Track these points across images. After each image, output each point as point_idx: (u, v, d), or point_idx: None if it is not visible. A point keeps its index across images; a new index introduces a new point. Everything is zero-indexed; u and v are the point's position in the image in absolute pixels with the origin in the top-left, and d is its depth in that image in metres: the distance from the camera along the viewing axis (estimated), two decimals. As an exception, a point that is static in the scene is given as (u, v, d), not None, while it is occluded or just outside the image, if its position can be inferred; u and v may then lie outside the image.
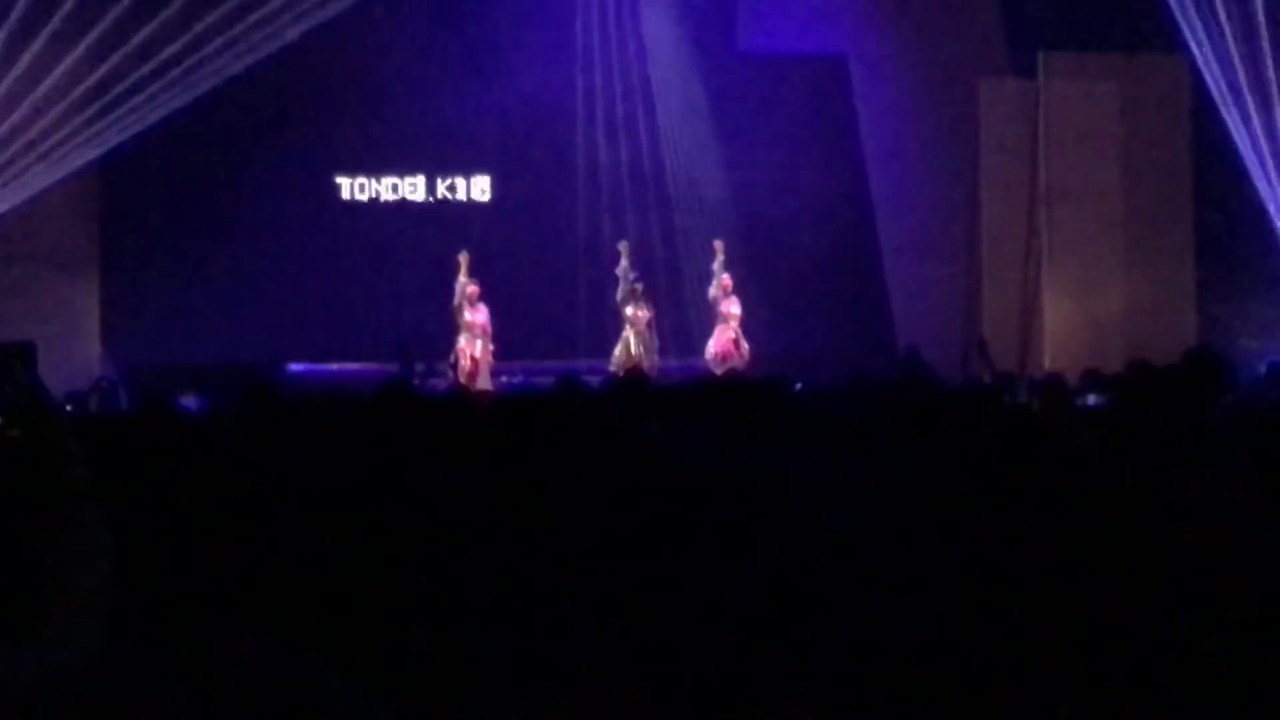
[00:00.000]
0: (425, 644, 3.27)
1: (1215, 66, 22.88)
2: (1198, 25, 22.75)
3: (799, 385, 13.40)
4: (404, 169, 25.01)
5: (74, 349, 22.63)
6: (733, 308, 22.74)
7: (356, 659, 3.03)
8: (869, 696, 2.51)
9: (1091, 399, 9.44)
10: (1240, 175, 23.20)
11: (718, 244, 23.15)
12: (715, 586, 2.53)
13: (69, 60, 21.86)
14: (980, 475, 3.01)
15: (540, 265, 24.54)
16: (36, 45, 21.75)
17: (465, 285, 21.96)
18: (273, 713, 2.78)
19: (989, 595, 2.79)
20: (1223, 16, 22.63)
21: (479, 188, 25.21)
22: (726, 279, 22.82)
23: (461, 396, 10.12)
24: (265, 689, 2.81)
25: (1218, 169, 23.57)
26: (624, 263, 22.58)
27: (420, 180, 25.12)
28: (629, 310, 22.35)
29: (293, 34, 22.28)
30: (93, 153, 22.20)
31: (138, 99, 21.95)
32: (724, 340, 22.54)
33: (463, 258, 22.12)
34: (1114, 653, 2.80)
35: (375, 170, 24.94)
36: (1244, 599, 2.77)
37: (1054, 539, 2.95)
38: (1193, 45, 22.79)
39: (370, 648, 3.24)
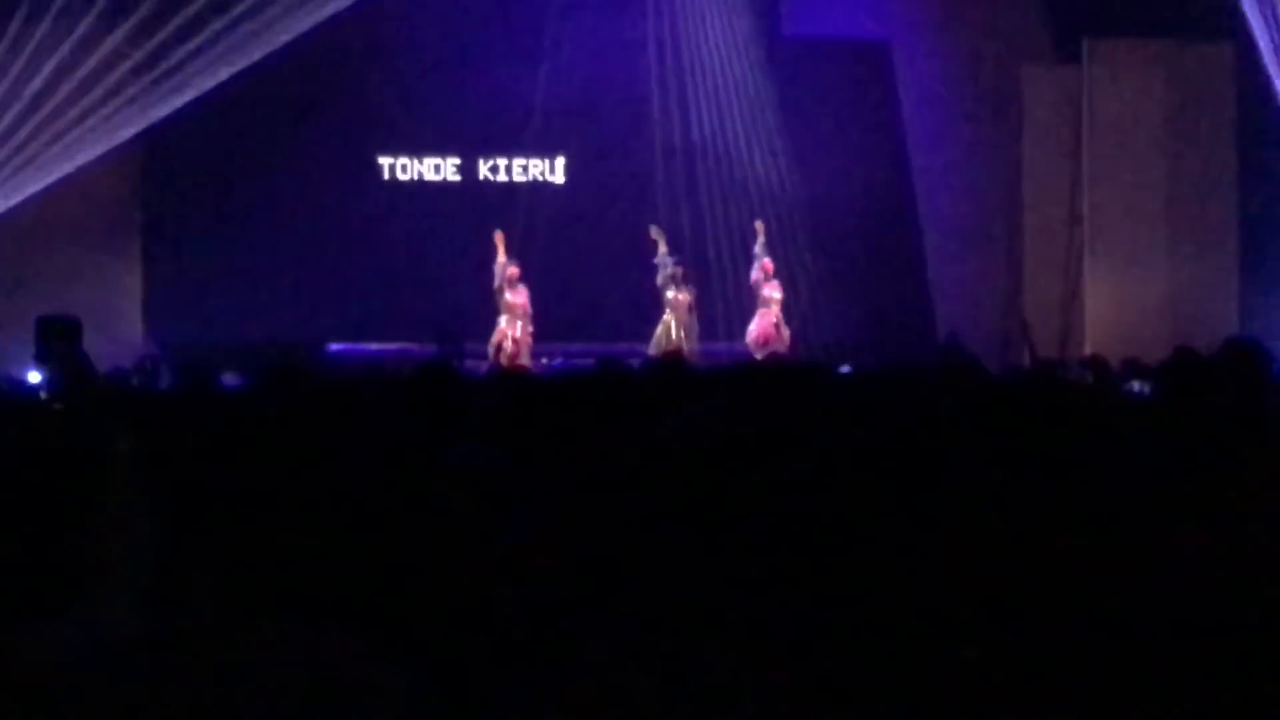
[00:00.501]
0: (461, 625, 3.27)
1: (1268, 53, 22.76)
2: (1252, 10, 22.63)
3: (845, 368, 13.38)
4: (445, 149, 25.02)
5: (117, 326, 22.71)
6: (774, 292, 22.72)
7: (392, 638, 3.03)
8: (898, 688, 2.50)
9: (1136, 385, 9.39)
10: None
11: (759, 225, 23.15)
12: (749, 578, 2.52)
13: (113, 38, 21.92)
14: (1035, 454, 3.01)
15: (583, 247, 24.51)
16: (82, 23, 21.82)
17: (505, 266, 21.98)
18: (307, 690, 2.79)
19: (1035, 573, 2.78)
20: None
21: (520, 169, 25.20)
22: (768, 262, 22.81)
23: (503, 378, 10.12)
24: (300, 667, 2.81)
25: (1262, 156, 23.46)
26: (661, 249, 22.56)
27: (462, 161, 25.13)
28: (670, 294, 22.35)
29: (335, 8, 22.32)
30: (135, 129, 22.24)
31: (180, 77, 22.01)
32: (765, 324, 22.53)
33: (499, 237, 22.15)
34: (1159, 643, 2.78)
35: (417, 150, 24.97)
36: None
37: (1103, 519, 2.94)
38: (1255, 28, 22.61)
39: (405, 627, 3.24)
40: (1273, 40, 22.73)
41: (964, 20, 24.78)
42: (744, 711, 2.42)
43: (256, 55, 22.18)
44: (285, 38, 22.17)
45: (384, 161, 24.99)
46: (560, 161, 25.09)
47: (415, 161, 25.08)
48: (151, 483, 3.35)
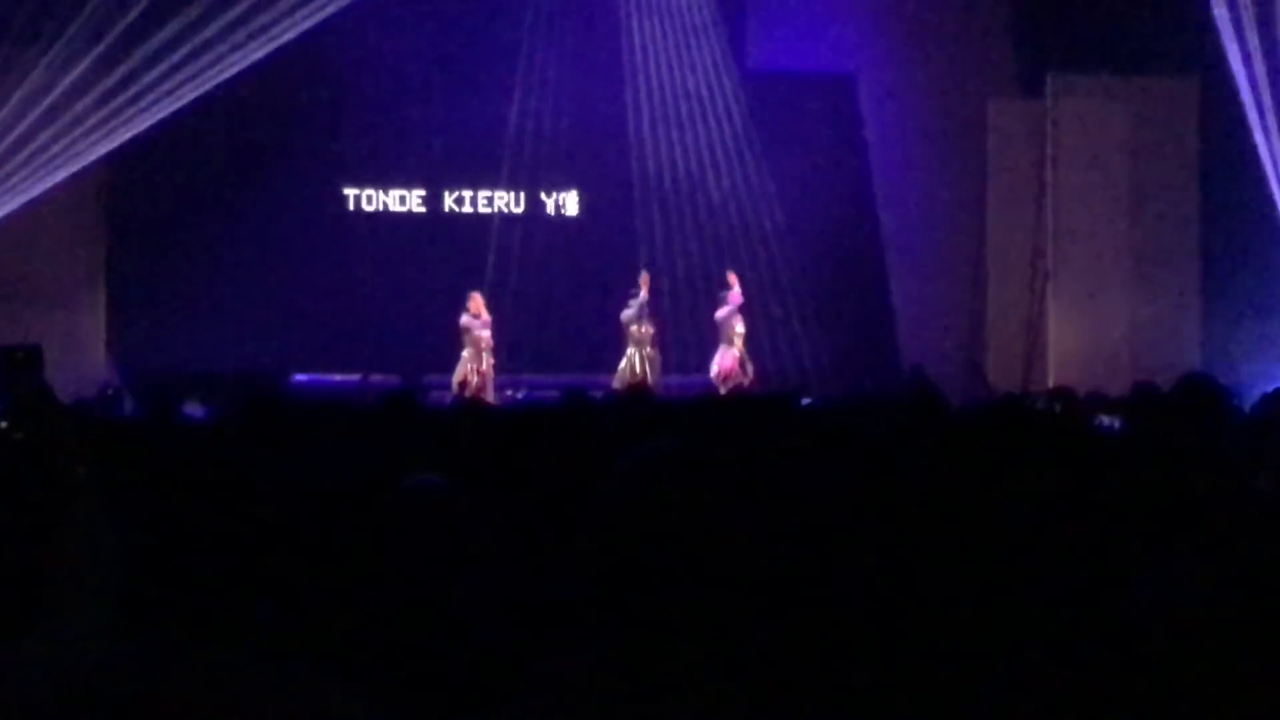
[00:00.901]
0: (422, 648, 3.27)
1: (1244, 87, 22.87)
2: (1229, 43, 22.74)
3: (807, 400, 13.39)
4: (412, 181, 25.01)
5: (80, 355, 22.61)
6: (739, 326, 22.70)
7: (353, 661, 3.03)
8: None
9: (1105, 420, 9.42)
10: (1247, 197, 23.21)
11: (732, 276, 23.05)
12: (721, 599, 2.53)
13: (76, 66, 21.83)
14: (1003, 486, 3.02)
15: (547, 279, 24.52)
16: (42, 51, 21.74)
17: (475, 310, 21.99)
18: (270, 713, 2.79)
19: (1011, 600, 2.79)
20: (1247, 34, 22.64)
21: (485, 200, 25.21)
22: (736, 294, 22.75)
23: (467, 409, 10.11)
24: (263, 689, 2.81)
25: (1225, 190, 23.58)
26: (643, 295, 22.49)
27: (428, 192, 25.13)
28: (633, 327, 22.35)
29: (299, 39, 22.29)
30: (99, 153, 22.13)
31: (144, 105, 21.94)
32: (729, 360, 22.50)
33: (476, 300, 22.12)
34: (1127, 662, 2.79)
35: (383, 182, 24.95)
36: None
37: (1081, 543, 2.95)
38: (1230, 58, 22.68)
39: (367, 650, 3.24)
40: (1247, 74, 22.82)
41: (930, 54, 24.87)
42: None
43: (222, 86, 22.10)
44: (252, 65, 22.06)
45: (349, 192, 24.96)
46: (523, 194, 25.09)
47: (381, 192, 25.06)
48: (113, 510, 3.34)
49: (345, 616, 3.37)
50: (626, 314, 22.42)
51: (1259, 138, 22.97)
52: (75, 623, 3.44)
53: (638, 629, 2.51)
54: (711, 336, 23.03)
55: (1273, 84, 22.93)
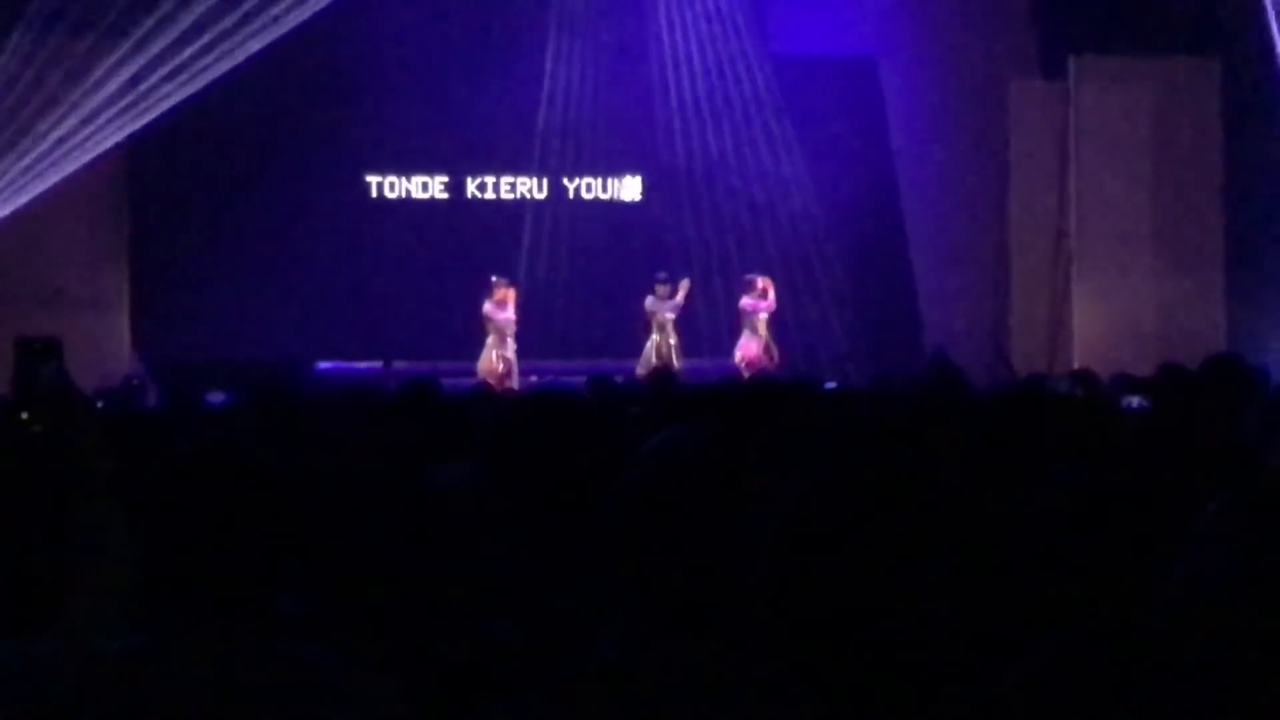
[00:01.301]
0: (443, 637, 3.26)
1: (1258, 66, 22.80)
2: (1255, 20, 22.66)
3: (831, 384, 13.38)
4: (434, 168, 25.01)
5: (104, 345, 22.64)
6: (764, 313, 22.61)
7: (376, 650, 3.02)
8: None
9: (1135, 401, 9.38)
10: (1271, 176, 23.13)
11: (765, 282, 22.87)
12: (733, 590, 2.51)
13: (102, 54, 21.83)
14: (1029, 464, 3.00)
15: (572, 265, 24.54)
16: (66, 38, 21.74)
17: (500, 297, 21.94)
18: (289, 701, 2.78)
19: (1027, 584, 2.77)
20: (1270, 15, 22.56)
21: (508, 187, 25.21)
22: (770, 302, 22.62)
23: (488, 396, 10.11)
24: (284, 679, 2.80)
25: (1249, 170, 23.50)
26: (680, 298, 22.36)
27: (450, 179, 25.12)
28: (656, 314, 22.30)
29: (322, 26, 22.29)
30: (120, 137, 22.10)
31: (165, 93, 21.92)
32: (754, 346, 22.42)
33: (499, 287, 22.05)
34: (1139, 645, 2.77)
35: (405, 169, 24.94)
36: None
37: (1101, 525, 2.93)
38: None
39: (389, 640, 3.23)
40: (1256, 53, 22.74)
41: (951, 37, 24.80)
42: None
43: (246, 74, 22.07)
44: (277, 39, 22.01)
45: (372, 180, 24.97)
46: (546, 181, 25.08)
47: (404, 180, 25.06)
48: (133, 502, 3.33)
49: (367, 607, 3.36)
50: (650, 301, 22.38)
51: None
52: (95, 615, 3.44)
53: (658, 618, 2.49)
54: (735, 320, 22.97)
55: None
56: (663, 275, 22.53)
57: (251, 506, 2.97)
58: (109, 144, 21.99)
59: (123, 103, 21.91)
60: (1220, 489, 2.91)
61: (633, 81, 24.97)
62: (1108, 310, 24.08)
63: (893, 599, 2.37)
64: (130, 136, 22.22)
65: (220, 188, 23.79)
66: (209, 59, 21.85)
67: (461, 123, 24.42)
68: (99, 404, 12.98)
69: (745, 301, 22.61)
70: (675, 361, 21.71)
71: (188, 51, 21.76)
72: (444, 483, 3.53)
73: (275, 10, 21.89)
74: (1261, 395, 7.60)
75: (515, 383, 21.17)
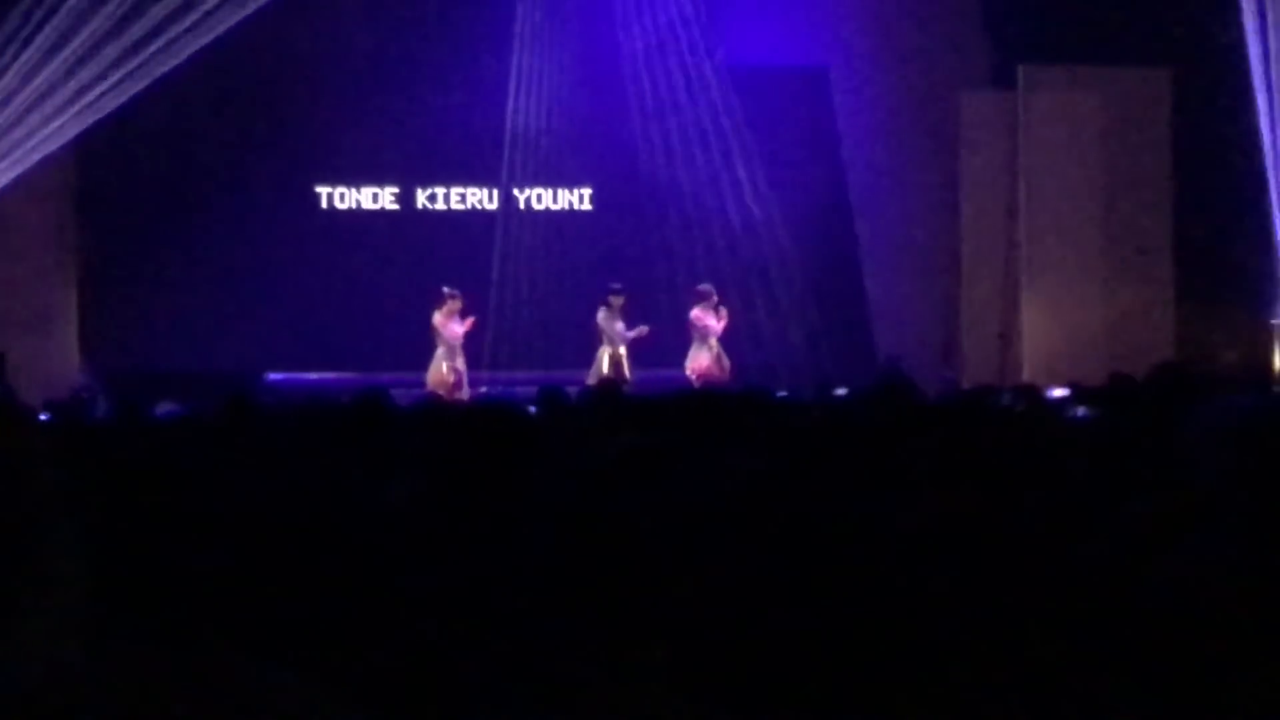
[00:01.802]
0: (393, 651, 3.26)
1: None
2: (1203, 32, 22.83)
3: (782, 394, 13.38)
4: (384, 179, 24.97)
5: (52, 357, 22.55)
6: (715, 324, 22.61)
7: (327, 667, 3.01)
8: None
9: (1081, 411, 9.42)
10: (1220, 187, 23.27)
11: (714, 313, 22.86)
12: (690, 594, 2.52)
13: (48, 61, 21.73)
14: (967, 476, 3.01)
15: (522, 276, 24.53)
16: (13, 46, 21.63)
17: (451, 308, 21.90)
18: (244, 715, 2.77)
19: (969, 595, 2.78)
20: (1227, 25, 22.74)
21: (458, 198, 25.19)
22: (719, 326, 22.63)
23: (437, 407, 10.09)
24: (238, 697, 2.79)
25: (1198, 180, 23.63)
26: (630, 335, 22.32)
27: (400, 190, 25.09)
28: (607, 325, 22.29)
29: (274, 34, 22.24)
30: (65, 139, 21.97)
31: (113, 101, 21.82)
32: (704, 358, 22.43)
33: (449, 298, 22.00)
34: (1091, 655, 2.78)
35: (355, 180, 24.89)
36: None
37: (1032, 537, 2.94)
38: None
39: (340, 655, 3.22)
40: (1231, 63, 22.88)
41: (902, 47, 24.89)
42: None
43: (195, 84, 22.01)
44: (225, 61, 21.97)
45: (322, 190, 24.91)
46: (496, 191, 25.07)
47: (354, 191, 25.01)
48: (81, 514, 3.31)
49: (318, 619, 3.36)
50: (603, 314, 22.36)
51: (1234, 126, 23.05)
52: (43, 634, 3.42)
53: (603, 627, 2.50)
54: (686, 332, 22.96)
55: (1264, 72, 22.99)
56: (617, 287, 22.54)
57: (200, 517, 2.96)
58: (53, 144, 21.83)
59: (71, 109, 21.80)
60: (1149, 496, 2.93)
61: (583, 92, 24.97)
62: (1058, 320, 24.18)
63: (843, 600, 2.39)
64: (77, 147, 22.13)
65: (169, 199, 23.71)
66: (155, 67, 21.76)
67: (412, 134, 24.40)
68: (44, 416, 12.91)
69: (696, 313, 22.61)
70: (626, 373, 21.72)
71: (135, 61, 21.66)
72: (392, 498, 3.53)
73: (223, 16, 21.82)
74: (1202, 403, 7.63)
75: (465, 394, 21.14)
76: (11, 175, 21.72)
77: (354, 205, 25.02)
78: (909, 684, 2.49)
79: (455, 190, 25.13)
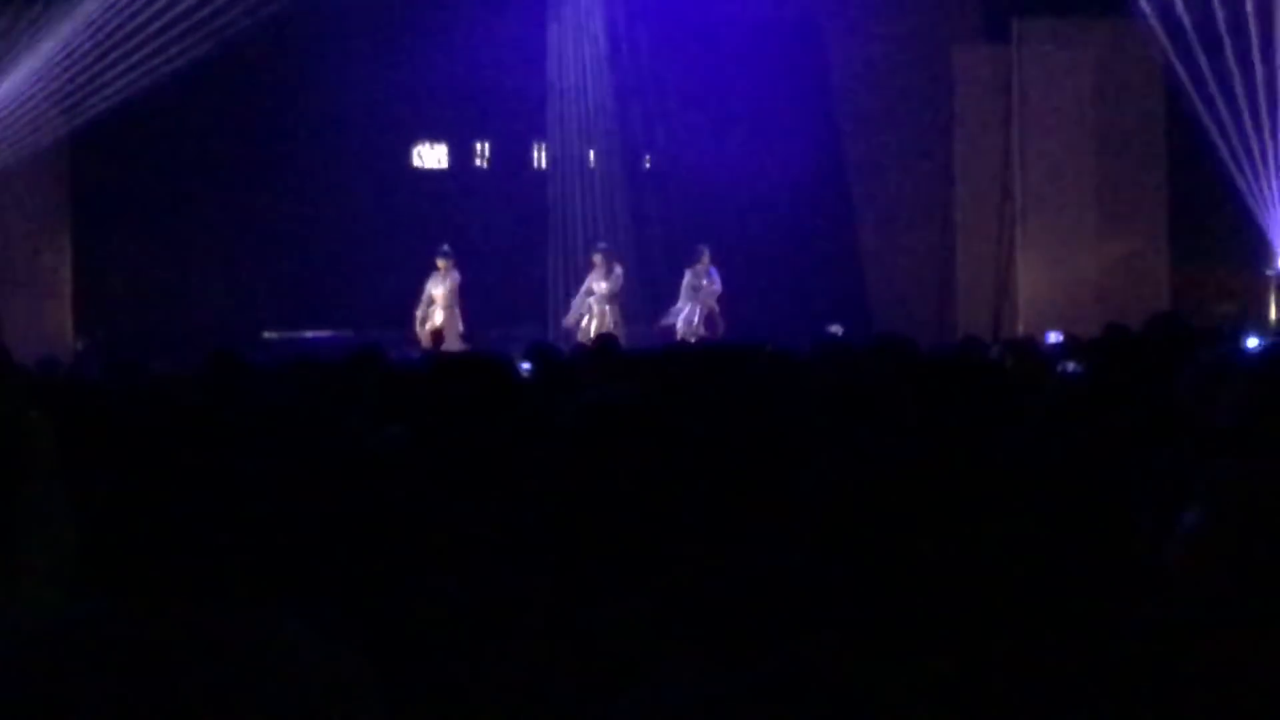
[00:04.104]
0: (387, 596, 3.26)
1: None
2: None
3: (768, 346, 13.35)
4: (378, 136, 24.89)
5: (46, 316, 22.55)
6: (713, 286, 22.62)
7: (319, 618, 3.01)
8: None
9: (1071, 366, 9.44)
10: (1210, 142, 23.24)
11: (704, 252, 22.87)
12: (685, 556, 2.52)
13: (42, 30, 21.72)
14: (957, 434, 2.99)
15: (510, 234, 24.54)
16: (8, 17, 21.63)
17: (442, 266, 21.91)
18: (243, 668, 2.77)
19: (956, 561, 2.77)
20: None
21: (440, 156, 25.16)
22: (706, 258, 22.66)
23: (432, 362, 10.10)
24: (235, 647, 2.79)
25: (1192, 133, 23.58)
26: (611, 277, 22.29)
27: (392, 148, 25.04)
28: (593, 284, 22.25)
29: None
30: (63, 123, 22.03)
31: (112, 68, 21.84)
32: (697, 315, 22.42)
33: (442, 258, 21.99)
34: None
35: (350, 138, 24.78)
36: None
37: (1019, 501, 2.93)
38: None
39: (339, 604, 3.23)
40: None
41: (895, 1, 24.84)
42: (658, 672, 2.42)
43: (182, 46, 22.01)
44: (211, 29, 21.98)
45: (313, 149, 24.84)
46: (473, 150, 25.03)
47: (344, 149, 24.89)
48: (75, 469, 3.32)
49: (312, 568, 3.36)
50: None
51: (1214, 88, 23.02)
52: (37, 586, 3.43)
53: (589, 574, 2.50)
54: (675, 287, 22.92)
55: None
56: (602, 246, 22.56)
57: (194, 474, 2.96)
58: (54, 122, 21.87)
59: (65, 77, 21.81)
60: (1156, 446, 2.93)
61: (569, 49, 24.94)
62: (1052, 272, 24.17)
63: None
64: (73, 107, 22.14)
65: (161, 159, 23.67)
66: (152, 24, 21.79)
67: (400, 93, 24.35)
68: (37, 375, 12.91)
69: (689, 275, 22.59)
70: (616, 330, 21.69)
71: (130, 28, 21.68)
72: (378, 446, 3.53)
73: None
74: (1202, 353, 7.64)
75: (456, 347, 21.20)
76: (8, 137, 21.72)
77: (345, 166, 24.87)
78: (896, 634, 2.48)
79: (439, 149, 25.06)
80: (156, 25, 21.88)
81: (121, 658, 2.77)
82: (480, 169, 25.06)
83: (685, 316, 22.49)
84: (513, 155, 25.05)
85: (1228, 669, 2.56)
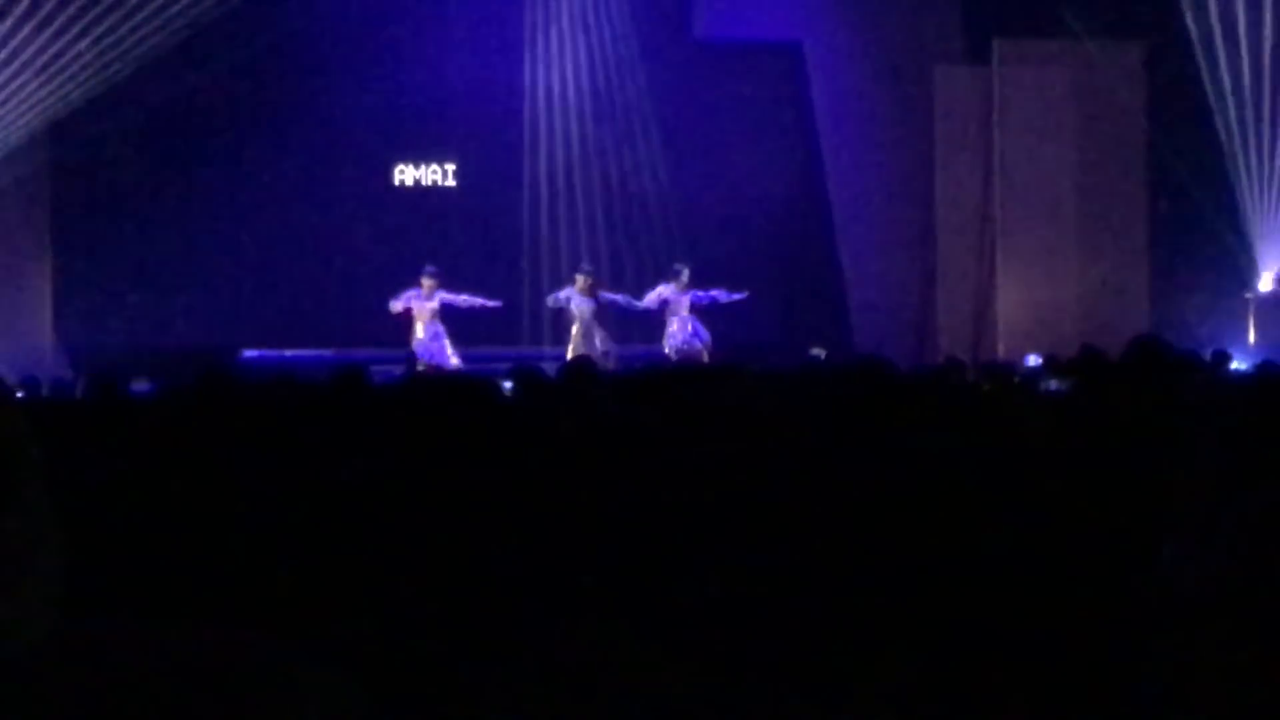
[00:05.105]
0: (370, 623, 3.27)
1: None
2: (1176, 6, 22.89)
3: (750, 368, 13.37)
4: (358, 154, 24.85)
5: (26, 334, 22.51)
6: (688, 300, 22.62)
7: (304, 639, 3.02)
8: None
9: (1053, 384, 9.47)
10: (1194, 158, 23.32)
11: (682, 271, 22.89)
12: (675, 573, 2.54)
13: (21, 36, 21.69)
14: (933, 454, 3.02)
15: (495, 253, 24.54)
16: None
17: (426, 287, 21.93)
18: (227, 690, 2.78)
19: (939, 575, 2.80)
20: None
21: (433, 175, 25.12)
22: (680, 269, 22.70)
23: (416, 383, 10.09)
24: (220, 666, 2.80)
25: (1172, 154, 23.66)
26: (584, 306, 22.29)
27: (376, 166, 25.00)
28: (572, 306, 22.23)
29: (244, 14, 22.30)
30: (39, 124, 21.97)
31: (91, 75, 21.82)
32: (681, 334, 22.41)
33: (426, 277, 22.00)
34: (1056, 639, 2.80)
35: (330, 156, 24.75)
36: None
37: (999, 518, 2.96)
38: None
39: (317, 629, 3.24)
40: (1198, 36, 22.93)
41: (877, 22, 24.89)
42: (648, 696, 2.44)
43: (166, 61, 22.00)
44: (185, 37, 21.99)
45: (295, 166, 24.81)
46: (463, 168, 25.00)
47: (327, 167, 24.86)
48: (62, 491, 3.32)
49: (297, 591, 3.37)
50: (567, 293, 22.36)
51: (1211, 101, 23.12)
52: (22, 610, 3.42)
53: (581, 600, 2.52)
54: (662, 310, 22.93)
55: (1225, 46, 23.04)
56: (586, 268, 22.57)
57: (179, 495, 2.97)
58: (33, 125, 21.82)
59: (45, 87, 21.77)
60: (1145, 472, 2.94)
61: (554, 69, 24.96)
62: (1033, 294, 24.23)
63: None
64: (52, 121, 22.11)
65: (142, 177, 23.64)
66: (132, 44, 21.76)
67: (386, 110, 24.34)
68: (19, 393, 12.91)
69: (670, 292, 22.57)
70: (601, 349, 21.65)
71: (107, 39, 21.65)
72: (354, 474, 3.54)
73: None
74: (1194, 379, 7.67)
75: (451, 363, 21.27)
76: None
77: (327, 181, 24.86)
78: (890, 652, 2.51)
79: (429, 167, 25.02)
80: (139, 51, 21.88)
81: (108, 678, 2.78)
82: (459, 188, 25.01)
83: (679, 339, 22.48)
84: (493, 174, 25.01)
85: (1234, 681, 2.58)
